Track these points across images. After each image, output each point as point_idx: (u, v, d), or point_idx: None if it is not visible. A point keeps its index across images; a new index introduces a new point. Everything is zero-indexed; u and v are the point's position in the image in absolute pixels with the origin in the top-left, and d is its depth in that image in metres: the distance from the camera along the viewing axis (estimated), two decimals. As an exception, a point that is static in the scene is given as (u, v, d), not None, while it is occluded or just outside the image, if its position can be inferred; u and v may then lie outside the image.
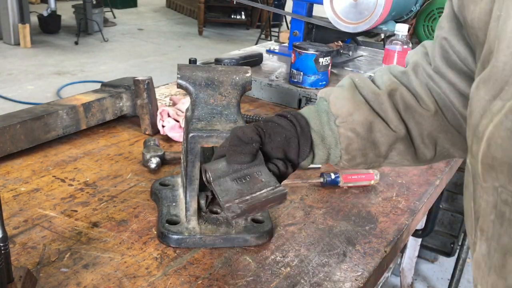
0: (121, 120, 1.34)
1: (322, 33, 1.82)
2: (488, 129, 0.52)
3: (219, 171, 0.71)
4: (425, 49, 0.80)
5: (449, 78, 0.74)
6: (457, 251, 2.40)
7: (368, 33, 2.46)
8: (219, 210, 0.91)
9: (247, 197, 0.69)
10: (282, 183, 0.74)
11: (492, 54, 0.54)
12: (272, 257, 0.85)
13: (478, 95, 0.55)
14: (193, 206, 0.87)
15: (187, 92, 0.85)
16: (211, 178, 0.71)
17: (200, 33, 8.20)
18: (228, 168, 0.72)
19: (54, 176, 1.04)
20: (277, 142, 0.74)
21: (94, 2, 7.34)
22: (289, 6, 7.23)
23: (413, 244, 2.22)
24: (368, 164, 0.80)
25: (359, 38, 2.25)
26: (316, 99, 1.52)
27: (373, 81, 0.81)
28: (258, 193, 0.69)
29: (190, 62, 1.56)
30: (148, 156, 1.08)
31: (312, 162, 0.80)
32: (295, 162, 0.76)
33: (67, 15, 7.77)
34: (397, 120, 0.76)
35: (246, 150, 0.71)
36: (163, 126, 1.25)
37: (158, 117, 1.27)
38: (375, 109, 0.77)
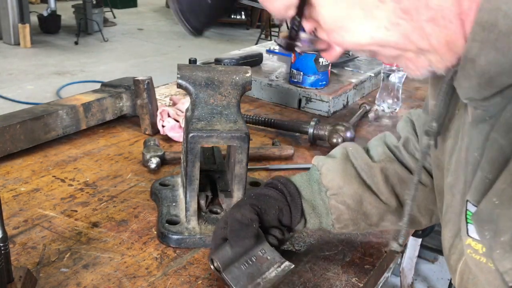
0: (121, 120, 1.34)
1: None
2: (459, 265, 0.60)
3: (226, 259, 0.74)
4: (411, 122, 0.85)
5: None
6: (457, 251, 2.39)
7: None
8: (219, 210, 0.91)
9: (258, 280, 0.73)
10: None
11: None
12: (272, 257, 0.84)
13: (444, 233, 0.63)
14: (193, 206, 0.87)
15: (187, 92, 0.85)
16: (221, 268, 0.74)
17: (200, 33, 8.19)
18: (233, 253, 0.74)
19: (54, 176, 1.04)
20: (272, 214, 0.78)
21: (94, 2, 7.35)
22: (289, 6, 7.21)
23: (413, 244, 2.22)
24: (361, 231, 0.84)
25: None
26: (316, 99, 1.53)
27: (367, 150, 0.84)
28: (267, 273, 0.74)
29: (190, 62, 1.56)
30: (148, 156, 1.08)
31: (305, 227, 0.83)
32: (290, 227, 0.80)
33: (67, 15, 7.77)
34: (388, 193, 0.79)
35: (249, 234, 0.74)
36: (163, 126, 1.25)
37: (158, 117, 1.26)
38: (367, 182, 0.80)
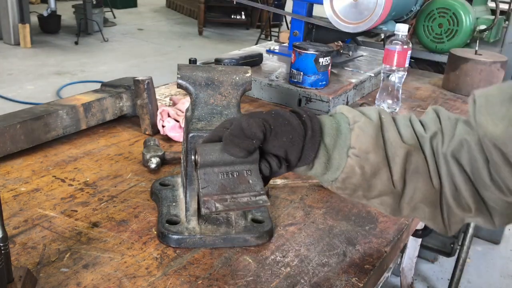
0: (121, 120, 1.34)
1: (322, 33, 1.82)
2: None
3: (209, 158, 0.68)
4: (439, 124, 0.78)
5: (462, 169, 0.73)
6: (457, 251, 2.40)
7: (368, 33, 2.46)
8: (219, 210, 0.91)
9: (227, 197, 0.67)
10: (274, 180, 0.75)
11: None
12: (272, 257, 0.85)
13: None
14: (193, 206, 0.87)
15: (187, 92, 0.85)
16: (198, 164, 0.68)
17: (200, 33, 8.20)
18: (220, 156, 0.68)
19: (54, 176, 1.04)
20: (281, 141, 0.71)
21: (94, 2, 7.35)
22: (289, 6, 7.24)
23: (413, 244, 2.22)
24: (350, 198, 0.80)
25: (359, 38, 2.25)
26: (316, 99, 1.53)
27: (397, 127, 0.78)
28: (239, 195, 0.68)
29: (190, 62, 1.56)
30: (148, 156, 1.08)
31: (308, 172, 0.77)
32: (293, 165, 0.74)
33: (67, 15, 7.77)
34: (401, 177, 0.75)
35: (244, 145, 0.68)
36: (163, 126, 1.25)
37: (158, 117, 1.27)
38: (389, 157, 0.75)
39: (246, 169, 0.70)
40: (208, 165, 0.68)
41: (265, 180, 0.73)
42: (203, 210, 0.66)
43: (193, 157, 0.69)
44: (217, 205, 0.66)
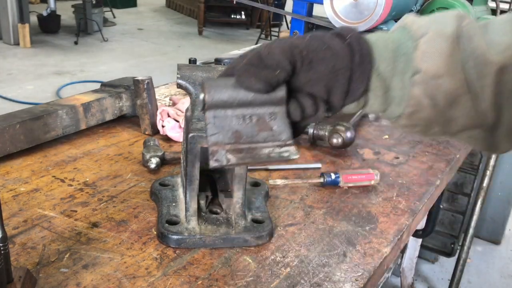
0: (121, 120, 1.34)
1: (322, 33, 1.82)
2: None
3: (220, 96, 0.54)
4: None
5: None
6: (458, 251, 2.40)
7: (369, 33, 2.45)
8: (218, 210, 0.91)
9: (243, 146, 0.53)
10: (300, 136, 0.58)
11: None
12: (272, 257, 0.84)
13: None
14: (193, 206, 0.87)
15: (187, 92, 0.85)
16: (206, 103, 0.54)
17: (200, 33, 8.20)
18: (233, 94, 0.54)
19: (53, 176, 1.04)
20: (319, 73, 0.55)
21: (94, 2, 7.34)
22: (289, 5, 7.24)
23: (414, 245, 2.22)
24: (425, 135, 0.63)
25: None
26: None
27: (488, 34, 0.57)
28: (259, 145, 0.53)
29: (190, 62, 1.56)
30: (148, 156, 1.08)
31: (361, 109, 0.61)
32: (338, 103, 0.57)
33: (67, 15, 7.77)
34: (491, 104, 0.56)
35: (262, 76, 0.54)
36: (163, 126, 1.25)
37: (158, 117, 1.26)
38: (471, 80, 0.55)
39: (268, 112, 0.55)
40: (218, 105, 0.54)
41: (295, 128, 0.58)
42: (211, 163, 0.54)
43: (200, 95, 0.55)
44: (229, 156, 0.53)
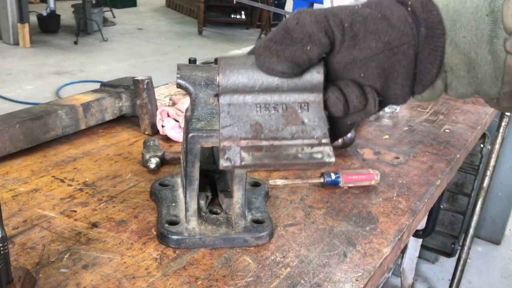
0: (121, 120, 1.33)
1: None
2: None
3: (239, 78, 0.43)
4: None
5: None
6: (458, 251, 2.40)
7: None
8: (218, 211, 0.91)
9: (263, 143, 0.42)
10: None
11: None
12: (272, 257, 0.84)
13: None
14: (193, 206, 0.87)
15: (187, 92, 0.85)
16: (220, 86, 0.43)
17: (200, 32, 8.20)
18: (255, 76, 0.43)
19: (53, 176, 1.04)
20: (369, 50, 0.42)
21: (94, 2, 7.34)
22: (289, 5, 7.25)
23: (414, 245, 2.22)
24: None
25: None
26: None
27: None
28: (285, 142, 0.42)
29: (189, 62, 1.56)
30: (147, 156, 1.08)
31: (439, 96, 0.47)
32: (401, 93, 0.44)
33: (67, 15, 7.76)
34: None
35: (287, 54, 0.41)
36: (162, 126, 1.24)
37: (158, 117, 1.26)
38: None
39: (299, 101, 0.43)
40: (236, 90, 0.43)
41: (336, 126, 0.46)
42: (222, 162, 0.43)
43: (216, 77, 0.44)
44: (244, 155, 0.42)
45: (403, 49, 0.42)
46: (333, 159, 0.42)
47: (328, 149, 0.42)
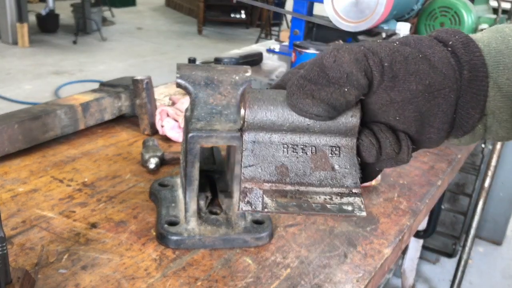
0: (120, 120, 1.33)
1: (322, 32, 1.82)
2: None
3: (267, 115, 0.40)
4: None
5: None
6: (459, 252, 2.40)
7: (369, 32, 2.45)
8: (218, 211, 0.90)
9: (288, 188, 0.39)
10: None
11: None
12: (272, 258, 0.84)
13: None
14: (193, 207, 0.86)
15: (186, 91, 0.85)
16: (246, 122, 0.40)
17: (200, 32, 8.20)
18: (285, 114, 0.40)
19: (52, 177, 1.03)
20: (409, 92, 0.39)
21: (93, 1, 7.34)
22: (289, 4, 7.24)
23: (415, 245, 2.21)
24: None
25: (360, 37, 2.24)
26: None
27: None
28: (311, 188, 0.39)
29: (189, 62, 1.56)
30: (147, 156, 1.08)
31: (478, 141, 0.45)
32: (436, 138, 0.42)
33: (66, 14, 7.76)
34: None
35: (324, 96, 0.38)
36: (162, 126, 1.24)
37: (157, 117, 1.26)
38: None
39: (331, 145, 0.40)
40: (263, 127, 0.40)
41: (365, 172, 0.43)
42: (242, 206, 0.40)
43: (241, 111, 0.41)
44: (267, 200, 0.39)
45: (444, 92, 0.40)
46: (364, 213, 0.39)
47: (359, 201, 0.39)
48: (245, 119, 0.40)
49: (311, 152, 0.40)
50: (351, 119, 0.40)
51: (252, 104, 0.40)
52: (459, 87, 0.40)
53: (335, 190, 0.39)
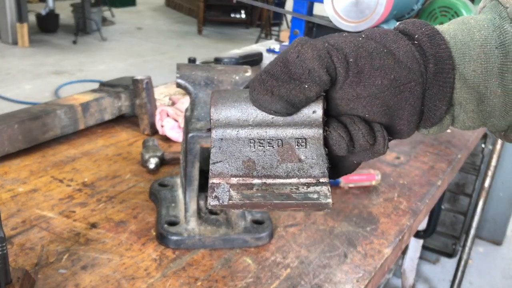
0: (120, 120, 1.33)
1: (322, 32, 1.81)
2: None
3: (232, 112, 0.41)
4: None
5: None
6: (459, 252, 2.40)
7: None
8: (218, 211, 0.90)
9: (255, 181, 0.40)
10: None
11: None
12: (272, 258, 0.84)
13: None
14: (193, 207, 0.86)
15: (186, 91, 0.85)
16: (212, 119, 0.41)
17: (200, 32, 8.19)
18: (249, 110, 0.41)
19: (52, 177, 1.03)
20: (375, 87, 0.40)
21: (93, 1, 7.34)
22: (289, 4, 7.24)
23: (415, 245, 2.21)
24: None
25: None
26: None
27: None
28: (278, 180, 0.39)
29: (189, 61, 1.56)
30: (147, 156, 1.08)
31: (441, 130, 0.45)
32: (406, 130, 0.42)
33: (66, 14, 7.76)
34: None
35: (283, 92, 0.39)
36: (162, 126, 1.24)
37: (157, 117, 1.26)
38: None
39: (296, 136, 0.40)
40: (228, 124, 0.41)
41: (338, 165, 0.44)
42: (209, 201, 0.43)
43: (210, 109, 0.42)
44: (233, 193, 0.40)
45: (410, 86, 0.40)
46: (329, 200, 0.39)
47: (325, 189, 0.39)
48: (211, 118, 0.41)
49: (277, 145, 0.40)
50: (313, 113, 0.40)
51: (216, 102, 0.41)
52: (424, 80, 0.40)
53: (302, 180, 0.40)
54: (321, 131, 0.40)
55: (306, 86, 0.39)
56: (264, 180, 0.40)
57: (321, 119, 0.40)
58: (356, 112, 0.41)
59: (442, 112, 0.41)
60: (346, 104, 0.41)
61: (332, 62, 0.39)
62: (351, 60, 0.39)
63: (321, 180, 0.40)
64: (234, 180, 0.41)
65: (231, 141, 0.41)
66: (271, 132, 0.41)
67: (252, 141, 0.41)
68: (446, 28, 0.42)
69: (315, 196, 0.39)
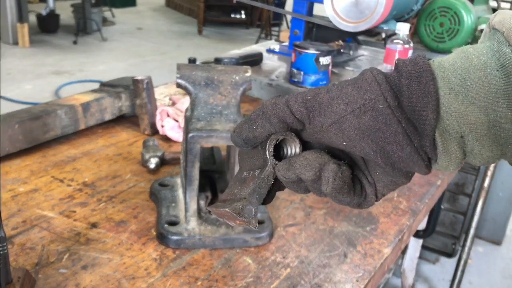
0: (120, 120, 1.33)
1: (322, 32, 1.82)
2: None
3: (246, 155, 0.50)
4: None
5: None
6: (459, 252, 2.40)
7: (369, 32, 2.45)
8: (219, 211, 0.90)
9: (227, 200, 0.48)
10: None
11: None
12: (272, 258, 0.84)
13: None
14: (193, 206, 0.86)
15: (187, 91, 0.85)
16: (236, 160, 0.52)
17: (200, 32, 8.19)
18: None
19: (52, 177, 1.03)
20: (333, 114, 0.42)
21: (93, 1, 7.34)
22: (289, 5, 7.23)
23: (414, 245, 2.21)
24: None
25: (360, 37, 2.24)
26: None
27: None
28: (234, 203, 0.46)
29: (189, 62, 1.56)
30: (147, 156, 1.08)
31: (451, 164, 0.42)
32: (406, 154, 0.41)
33: (66, 14, 7.76)
34: None
35: (246, 130, 0.47)
36: (162, 126, 1.24)
37: (158, 117, 1.26)
38: None
39: (258, 169, 0.48)
40: (243, 166, 0.51)
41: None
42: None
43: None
44: (213, 208, 0.49)
45: (370, 105, 0.40)
46: (252, 224, 0.46)
47: (250, 209, 0.45)
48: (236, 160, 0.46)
49: (249, 174, 0.49)
50: (292, 146, 0.47)
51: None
52: (390, 96, 0.40)
53: (242, 202, 0.46)
54: (270, 165, 0.46)
55: (255, 127, 0.45)
56: (230, 201, 0.48)
57: (268, 157, 0.46)
58: (333, 142, 0.43)
59: (431, 121, 0.40)
60: (320, 136, 0.43)
61: (288, 106, 0.43)
62: (309, 97, 0.43)
63: (251, 203, 0.46)
64: (223, 197, 0.50)
65: (238, 176, 0.51)
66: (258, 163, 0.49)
67: (248, 174, 0.49)
68: (446, 58, 0.42)
69: (238, 213, 0.45)
